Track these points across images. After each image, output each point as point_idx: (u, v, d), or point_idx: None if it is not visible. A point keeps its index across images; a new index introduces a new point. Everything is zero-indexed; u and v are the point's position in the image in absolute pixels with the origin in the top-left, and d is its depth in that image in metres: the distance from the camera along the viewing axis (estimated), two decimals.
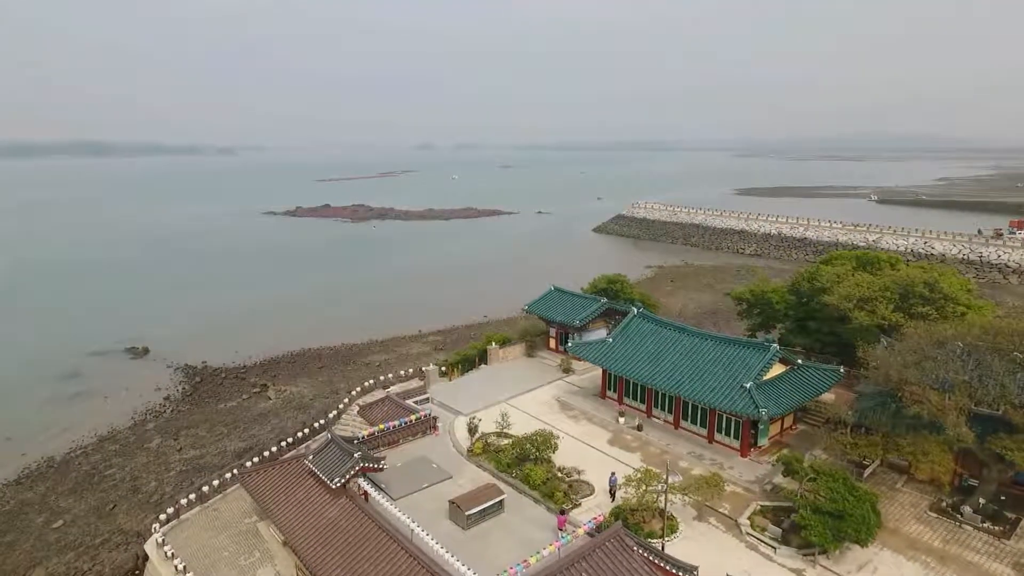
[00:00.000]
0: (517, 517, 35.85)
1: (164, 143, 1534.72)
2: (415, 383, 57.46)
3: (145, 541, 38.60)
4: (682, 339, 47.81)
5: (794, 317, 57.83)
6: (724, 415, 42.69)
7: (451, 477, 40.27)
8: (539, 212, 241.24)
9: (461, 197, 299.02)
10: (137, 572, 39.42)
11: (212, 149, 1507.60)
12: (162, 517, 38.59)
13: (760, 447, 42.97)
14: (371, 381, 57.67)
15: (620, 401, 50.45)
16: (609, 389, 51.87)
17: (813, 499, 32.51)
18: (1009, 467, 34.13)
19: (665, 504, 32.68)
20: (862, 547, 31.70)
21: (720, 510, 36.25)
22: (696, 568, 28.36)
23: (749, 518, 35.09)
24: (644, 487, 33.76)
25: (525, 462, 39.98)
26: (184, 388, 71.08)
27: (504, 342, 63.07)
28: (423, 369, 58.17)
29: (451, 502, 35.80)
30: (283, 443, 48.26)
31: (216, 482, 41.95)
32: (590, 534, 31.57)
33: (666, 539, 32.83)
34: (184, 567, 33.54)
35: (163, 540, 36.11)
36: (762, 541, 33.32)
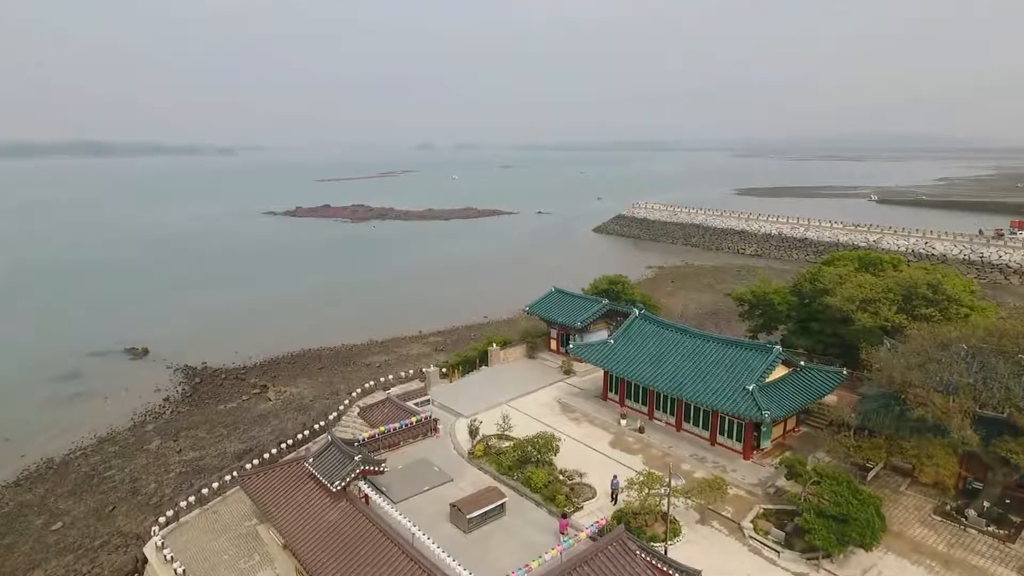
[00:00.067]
0: (519, 520, 35.66)
1: (164, 143, 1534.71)
2: (416, 384, 57.28)
3: (144, 543, 38.41)
4: (684, 341, 47.59)
5: (796, 318, 57.62)
6: (726, 417, 42.48)
7: (452, 480, 40.06)
8: (539, 212, 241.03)
9: (461, 197, 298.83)
10: (136, 575, 39.18)
11: (212, 149, 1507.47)
12: (161, 520, 38.40)
13: (763, 449, 42.79)
14: (371, 382, 57.48)
15: (622, 403, 50.25)
16: (610, 391, 51.67)
17: (817, 502, 32.31)
18: (1014, 470, 33.90)
19: (668, 508, 32.45)
20: (866, 551, 31.47)
21: (723, 513, 36.03)
22: (699, 572, 28.12)
23: (752, 521, 34.88)
24: (647, 490, 33.57)
25: (526, 465, 39.76)
26: (184, 389, 70.87)
27: (505, 343, 62.86)
28: (424, 370, 57.94)
29: (452, 505, 35.60)
30: (283, 445, 48.06)
31: (216, 484, 41.78)
32: (592, 538, 31.37)
33: (669, 543, 32.62)
34: (183, 570, 33.35)
35: (162, 543, 35.90)
36: (765, 545, 33.09)
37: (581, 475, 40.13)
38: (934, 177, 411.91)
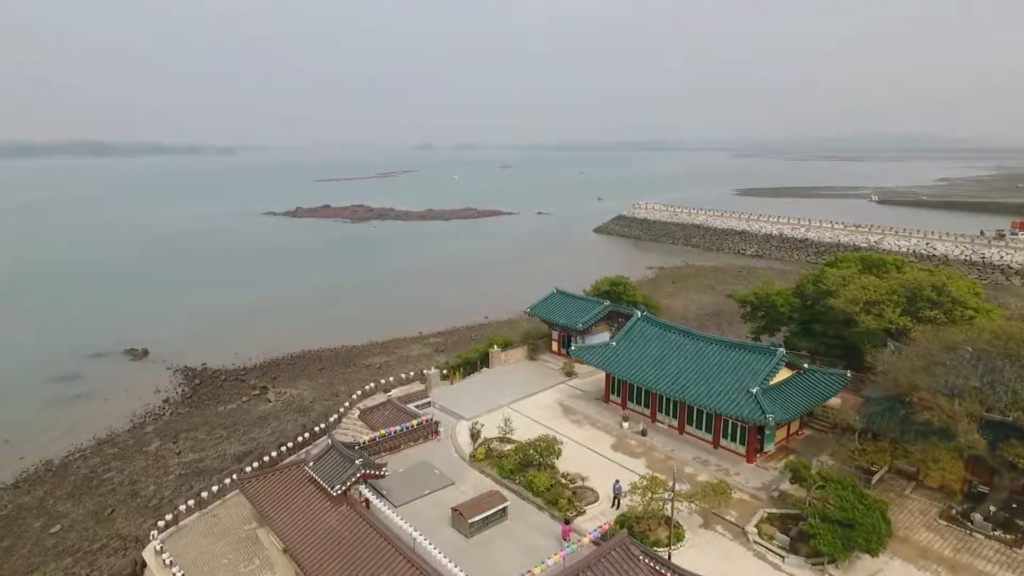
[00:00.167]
0: (520, 525, 35.38)
1: (164, 143, 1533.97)
2: (416, 386, 56.99)
3: (144, 547, 38.11)
4: (687, 343, 47.31)
5: (798, 320, 57.32)
6: (730, 420, 42.17)
7: (453, 483, 39.77)
8: (539, 212, 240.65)
9: (461, 197, 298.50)
10: None
11: (212, 149, 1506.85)
12: (160, 524, 38.11)
13: (766, 453, 42.48)
14: (372, 384, 57.18)
15: (624, 405, 49.95)
16: (613, 393, 51.37)
17: (822, 507, 32.01)
18: (1021, 475, 33.63)
19: (672, 512, 32.15)
20: (872, 557, 31.15)
21: (727, 517, 35.73)
22: None
23: (756, 526, 34.58)
24: (650, 495, 33.29)
25: (528, 468, 39.46)
26: (183, 390, 70.56)
27: (506, 345, 62.54)
28: (424, 372, 57.62)
29: (454, 509, 35.31)
30: (283, 447, 47.71)
31: (215, 487, 41.44)
32: (595, 543, 31.10)
33: (672, 548, 32.31)
34: (182, 574, 33.06)
35: (161, 547, 35.63)
36: (770, 550, 32.80)
37: (583, 479, 39.83)
38: (934, 177, 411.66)
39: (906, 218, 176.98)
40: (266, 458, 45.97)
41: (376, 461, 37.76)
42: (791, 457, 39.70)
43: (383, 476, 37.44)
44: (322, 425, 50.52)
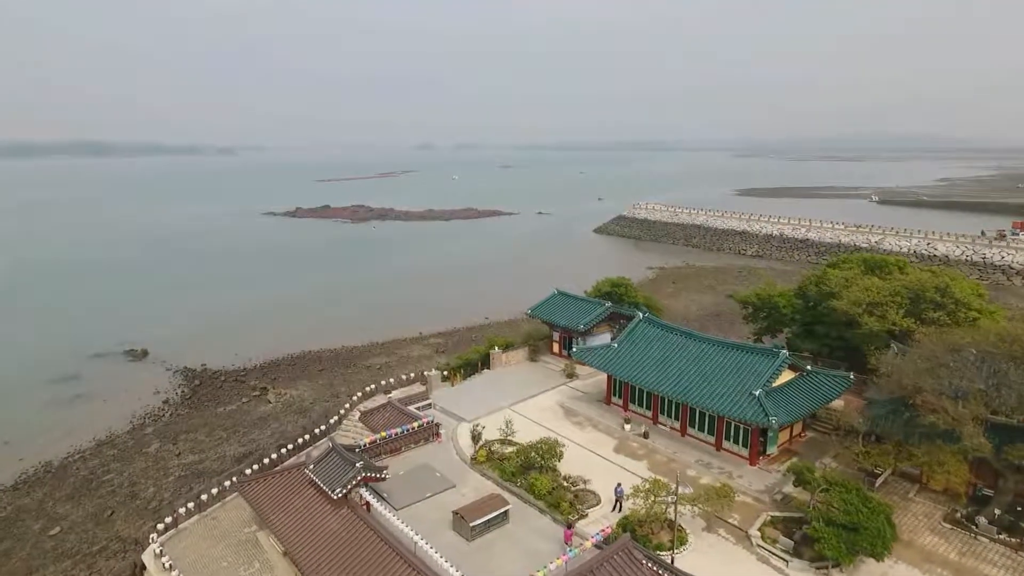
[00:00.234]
0: (522, 528, 35.17)
1: (164, 143, 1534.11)
2: (417, 388, 56.75)
3: (143, 549, 37.87)
4: (689, 344, 47.09)
5: (801, 321, 57.06)
6: (732, 422, 41.95)
7: (454, 486, 39.56)
8: (539, 213, 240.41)
9: (461, 197, 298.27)
10: None
11: (212, 149, 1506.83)
12: (160, 527, 37.87)
13: (769, 455, 42.25)
14: (372, 385, 56.92)
15: (625, 407, 49.73)
16: (614, 395, 51.15)
17: (826, 510, 31.78)
18: None
19: (675, 516, 31.93)
20: (877, 561, 30.94)
21: (730, 521, 35.50)
22: None
23: (760, 529, 34.35)
24: (652, 498, 33.07)
25: (530, 471, 39.25)
26: (183, 391, 70.33)
27: (507, 346, 62.30)
28: (425, 373, 57.40)
29: (455, 513, 35.09)
30: (283, 449, 47.46)
31: (215, 490, 41.20)
32: (598, 547, 30.90)
33: (675, 552, 32.10)
34: None
35: (161, 550, 35.41)
36: (773, 554, 32.57)
37: (585, 481, 39.59)
38: (935, 177, 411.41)
39: (906, 218, 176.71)
40: (266, 460, 45.76)
41: (377, 464, 37.55)
42: (794, 460, 39.55)
43: (384, 479, 37.23)
44: (322, 427, 50.29)
